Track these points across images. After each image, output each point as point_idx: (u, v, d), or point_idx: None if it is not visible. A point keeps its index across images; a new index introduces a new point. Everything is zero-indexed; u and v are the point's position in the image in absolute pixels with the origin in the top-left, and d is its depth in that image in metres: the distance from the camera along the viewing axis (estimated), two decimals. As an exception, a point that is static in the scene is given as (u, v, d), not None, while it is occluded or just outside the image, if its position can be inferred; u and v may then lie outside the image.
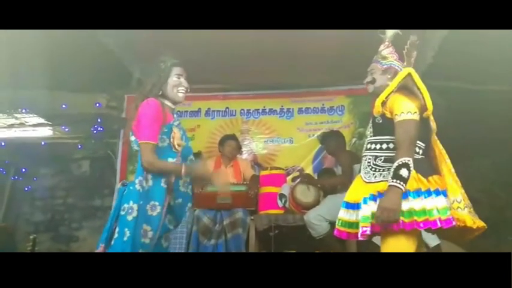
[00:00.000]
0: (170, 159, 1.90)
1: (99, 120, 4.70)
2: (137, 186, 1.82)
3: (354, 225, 1.84)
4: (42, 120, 4.97)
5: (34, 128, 5.06)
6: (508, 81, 3.63)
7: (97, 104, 4.68)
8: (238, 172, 3.78)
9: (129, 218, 1.77)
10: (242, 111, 4.67)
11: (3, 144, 5.06)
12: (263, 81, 4.43)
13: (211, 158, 4.02)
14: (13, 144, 5.05)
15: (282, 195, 3.54)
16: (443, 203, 1.72)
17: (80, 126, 4.81)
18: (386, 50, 2.01)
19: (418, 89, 1.81)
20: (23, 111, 4.79)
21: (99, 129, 4.72)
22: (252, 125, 4.63)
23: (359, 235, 1.76)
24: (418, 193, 1.72)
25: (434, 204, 1.70)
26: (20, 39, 3.25)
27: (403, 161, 1.68)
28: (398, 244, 1.74)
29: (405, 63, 1.96)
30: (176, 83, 2.00)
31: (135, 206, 1.79)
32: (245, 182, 3.65)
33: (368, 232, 1.73)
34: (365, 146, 1.99)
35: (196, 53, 3.68)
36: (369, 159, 1.89)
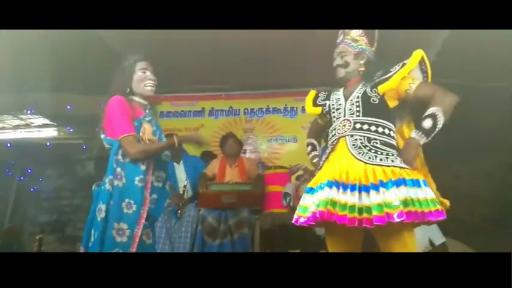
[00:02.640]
0: None
1: (103, 121, 4.72)
2: (107, 186, 1.83)
3: (363, 209, 1.54)
4: (47, 122, 5.01)
5: (39, 129, 5.10)
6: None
7: (101, 105, 4.69)
8: (243, 171, 3.77)
9: (98, 219, 1.78)
10: (246, 110, 4.69)
11: (9, 145, 5.10)
12: (266, 81, 4.42)
13: (215, 159, 4.02)
14: (19, 145, 5.08)
15: (286, 194, 3.54)
16: (431, 194, 1.58)
17: (84, 127, 4.83)
18: (355, 32, 1.88)
19: (426, 71, 1.80)
20: (29, 112, 4.82)
21: (103, 129, 4.73)
22: (255, 124, 4.64)
23: (382, 219, 1.48)
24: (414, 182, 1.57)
25: (425, 195, 1.55)
26: (25, 41, 3.27)
27: (431, 112, 1.61)
28: (404, 239, 1.61)
29: (373, 49, 1.89)
30: (141, 77, 2.00)
31: (103, 207, 1.79)
32: (250, 182, 3.65)
33: (404, 217, 1.48)
34: (351, 124, 1.78)
35: (199, 53, 3.70)
36: (360, 139, 1.72)
